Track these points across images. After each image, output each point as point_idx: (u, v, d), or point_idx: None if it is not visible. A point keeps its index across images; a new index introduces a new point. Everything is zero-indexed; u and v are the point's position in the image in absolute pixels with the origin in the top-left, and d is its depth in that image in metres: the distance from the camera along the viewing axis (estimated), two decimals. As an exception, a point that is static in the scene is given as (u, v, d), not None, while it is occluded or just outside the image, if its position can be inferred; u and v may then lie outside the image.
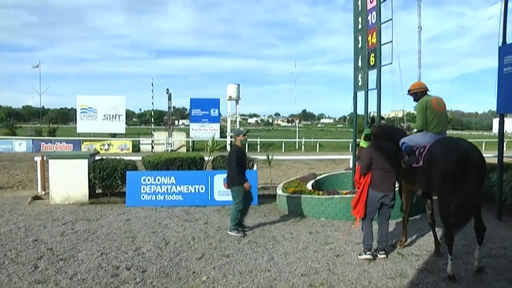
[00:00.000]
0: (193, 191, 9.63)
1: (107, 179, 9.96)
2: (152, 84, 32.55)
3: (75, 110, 36.10)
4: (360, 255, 6.04)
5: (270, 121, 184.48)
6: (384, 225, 6.19)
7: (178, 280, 5.20)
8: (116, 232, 7.31)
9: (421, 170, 5.85)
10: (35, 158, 11.63)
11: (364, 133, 6.72)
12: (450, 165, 5.35)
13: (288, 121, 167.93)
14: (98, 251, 6.26)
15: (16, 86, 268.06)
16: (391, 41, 8.67)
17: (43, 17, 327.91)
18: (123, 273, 5.40)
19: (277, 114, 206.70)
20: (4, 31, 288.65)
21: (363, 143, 6.60)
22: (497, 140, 9.09)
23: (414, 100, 6.38)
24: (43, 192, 11.03)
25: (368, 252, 5.97)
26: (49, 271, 5.43)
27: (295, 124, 52.44)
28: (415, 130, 6.60)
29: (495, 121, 27.52)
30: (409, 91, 6.41)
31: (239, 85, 36.25)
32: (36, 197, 10.52)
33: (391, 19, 8.69)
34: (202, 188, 9.69)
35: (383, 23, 8.89)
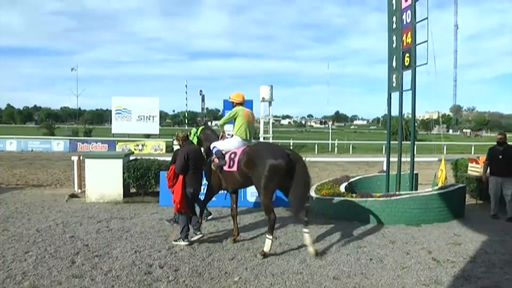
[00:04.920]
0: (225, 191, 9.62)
1: (141, 179, 10.12)
2: (186, 86, 32.94)
3: (110, 111, 36.94)
4: (176, 241, 6.65)
5: (303, 122, 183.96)
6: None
7: (210, 280, 5.23)
8: (149, 231, 7.42)
9: (237, 172, 6.53)
10: (72, 158, 11.95)
11: (193, 132, 7.60)
12: (279, 166, 6.05)
13: (321, 123, 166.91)
14: (132, 249, 6.38)
15: (55, 88, 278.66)
16: (427, 41, 8.48)
17: (82, 22, 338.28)
18: (156, 271, 5.48)
19: (310, 116, 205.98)
20: (46, 36, 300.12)
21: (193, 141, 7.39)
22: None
23: (232, 107, 7.27)
24: (79, 190, 11.32)
25: (186, 240, 6.60)
26: (85, 266, 5.58)
27: (328, 126, 52.06)
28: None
29: (537, 124, 26.39)
30: (230, 98, 7.34)
31: (272, 86, 36.26)
32: (73, 195, 10.81)
33: (427, 18, 8.50)
34: (234, 189, 9.68)
35: (418, 22, 8.70)
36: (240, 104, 7.22)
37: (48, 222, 7.97)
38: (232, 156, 6.64)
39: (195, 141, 7.43)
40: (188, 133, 7.54)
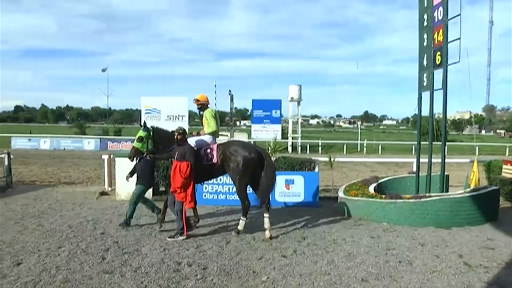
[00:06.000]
0: (254, 191, 9.63)
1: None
2: (215, 86, 33.04)
3: (140, 111, 37.34)
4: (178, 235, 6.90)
5: (332, 122, 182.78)
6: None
7: (238, 279, 5.24)
8: (178, 229, 7.49)
9: (216, 165, 7.23)
10: (103, 156, 12.20)
11: (138, 134, 7.44)
12: (252, 159, 7.06)
13: (349, 123, 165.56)
14: (161, 246, 6.47)
15: (86, 89, 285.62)
16: (459, 38, 8.26)
17: (110, 24, 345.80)
18: (184, 269, 5.54)
19: (338, 116, 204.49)
20: (77, 38, 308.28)
21: (136, 144, 7.42)
22: None
23: (199, 109, 7.85)
24: (109, 188, 11.54)
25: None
26: (115, 262, 5.69)
27: (357, 126, 51.53)
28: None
29: None
30: (197, 100, 7.78)
31: (301, 86, 36.03)
32: (103, 193, 11.05)
33: (459, 15, 8.29)
34: (262, 189, 9.69)
35: (450, 19, 8.50)
36: (208, 104, 7.89)
37: (80, 219, 8.18)
38: (208, 150, 7.33)
39: (150, 144, 7.43)
40: (138, 137, 7.38)
